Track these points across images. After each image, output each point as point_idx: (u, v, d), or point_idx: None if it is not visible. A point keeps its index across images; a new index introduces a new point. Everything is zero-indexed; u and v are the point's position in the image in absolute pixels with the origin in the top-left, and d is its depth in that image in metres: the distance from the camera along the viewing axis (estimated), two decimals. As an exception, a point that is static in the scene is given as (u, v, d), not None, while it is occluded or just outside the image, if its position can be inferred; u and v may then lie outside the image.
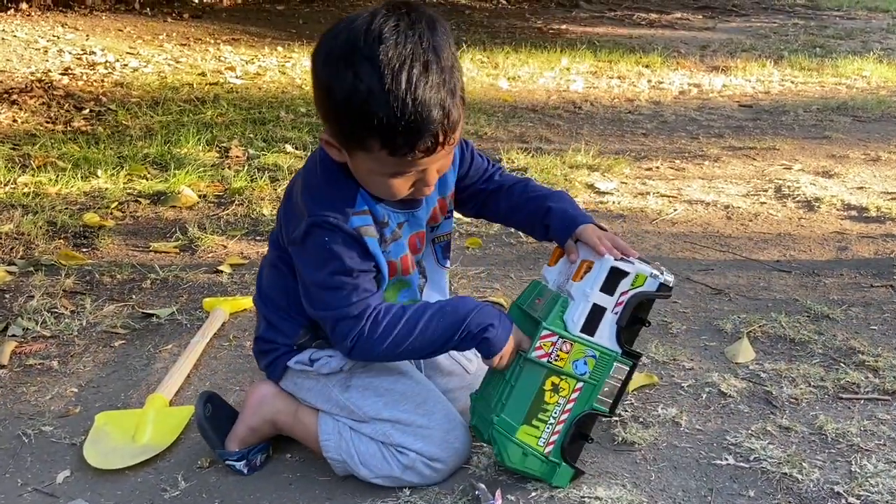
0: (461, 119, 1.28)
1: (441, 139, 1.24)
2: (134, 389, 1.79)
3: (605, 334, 1.40)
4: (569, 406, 1.42)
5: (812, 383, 1.78)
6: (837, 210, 2.96)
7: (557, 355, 1.39)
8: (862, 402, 1.71)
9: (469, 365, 1.64)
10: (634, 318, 1.40)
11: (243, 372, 1.85)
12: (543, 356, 1.38)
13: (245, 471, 1.48)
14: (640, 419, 1.64)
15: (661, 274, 1.40)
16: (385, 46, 1.18)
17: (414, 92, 1.19)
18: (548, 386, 1.40)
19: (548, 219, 1.50)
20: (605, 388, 1.43)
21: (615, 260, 1.38)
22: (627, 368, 1.43)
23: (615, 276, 1.38)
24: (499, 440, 1.40)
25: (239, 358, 1.91)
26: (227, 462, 1.48)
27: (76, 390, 1.78)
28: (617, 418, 1.63)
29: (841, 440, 1.57)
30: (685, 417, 1.65)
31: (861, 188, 3.21)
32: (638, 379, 1.77)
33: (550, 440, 1.42)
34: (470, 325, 1.35)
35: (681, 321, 2.09)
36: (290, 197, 1.42)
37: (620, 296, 1.39)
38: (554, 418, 1.41)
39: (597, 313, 1.39)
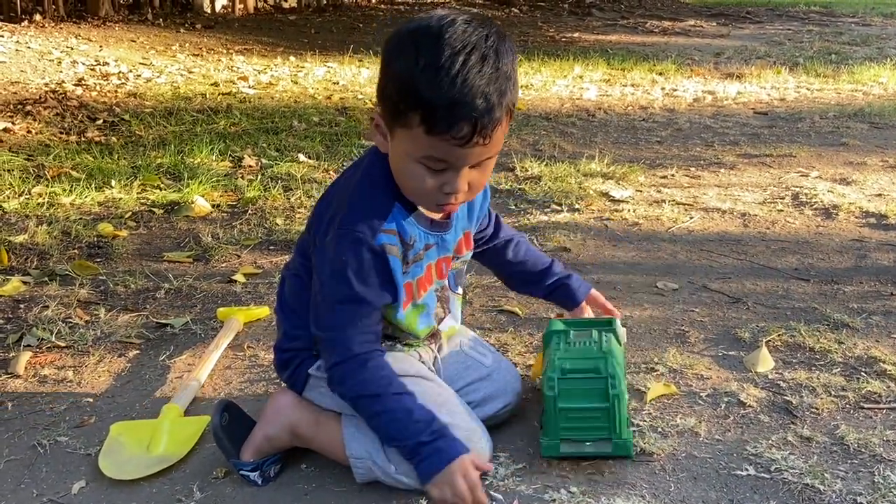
0: (502, 128, 1.30)
1: (477, 130, 1.26)
2: (148, 399, 1.79)
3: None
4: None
5: (833, 393, 1.76)
6: (856, 217, 2.94)
7: (623, 346, 1.66)
8: (884, 411, 1.70)
9: (483, 359, 1.66)
10: None
11: (258, 382, 1.85)
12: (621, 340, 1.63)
13: (259, 481, 1.48)
14: (659, 429, 1.63)
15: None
16: (453, 30, 1.26)
17: (465, 75, 1.24)
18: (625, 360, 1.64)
19: (556, 284, 1.74)
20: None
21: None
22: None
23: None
24: (616, 368, 1.47)
25: (253, 367, 1.92)
26: (241, 472, 1.48)
27: (91, 400, 1.79)
28: (635, 428, 1.62)
29: (863, 450, 1.56)
30: (704, 427, 1.63)
31: (879, 195, 3.19)
32: (656, 388, 1.76)
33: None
34: (410, 446, 1.35)
35: (698, 330, 2.07)
36: (326, 198, 1.46)
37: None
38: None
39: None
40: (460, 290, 1.63)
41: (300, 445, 1.53)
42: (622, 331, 1.68)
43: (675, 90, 5.46)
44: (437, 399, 1.45)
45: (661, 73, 6.05)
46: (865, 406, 1.71)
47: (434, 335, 1.58)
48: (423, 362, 1.56)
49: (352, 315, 1.38)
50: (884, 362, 1.88)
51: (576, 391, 1.46)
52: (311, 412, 1.51)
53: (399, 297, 1.43)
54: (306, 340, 1.50)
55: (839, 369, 1.87)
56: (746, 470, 1.50)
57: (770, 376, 1.84)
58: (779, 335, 2.03)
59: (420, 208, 1.43)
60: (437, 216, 1.46)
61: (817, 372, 1.85)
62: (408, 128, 1.29)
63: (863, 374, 1.84)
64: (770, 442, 1.58)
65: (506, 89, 1.29)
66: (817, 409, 1.70)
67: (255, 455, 1.49)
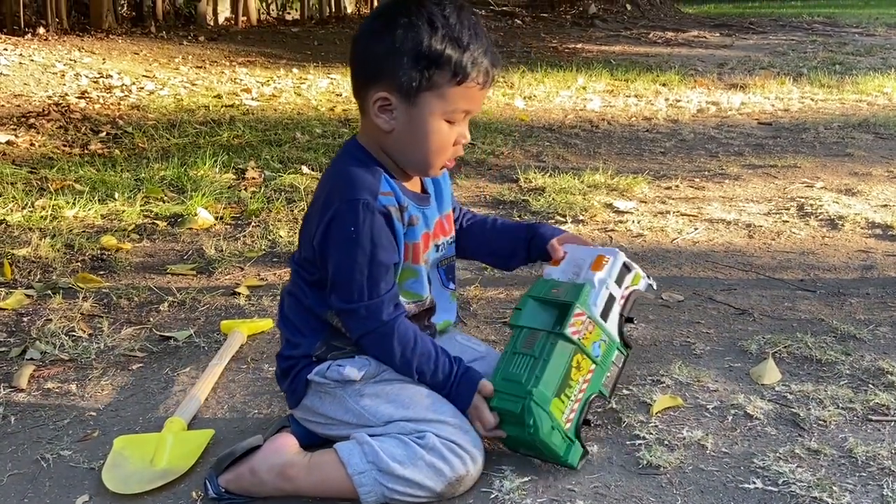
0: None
1: (493, 72, 1.45)
2: (152, 413, 1.79)
3: (613, 323, 1.55)
4: (584, 385, 1.52)
5: (840, 405, 1.76)
6: (861, 228, 2.94)
7: (585, 335, 1.51)
8: (892, 423, 1.69)
9: (477, 347, 1.72)
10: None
11: (262, 395, 1.85)
12: (575, 333, 1.50)
13: (212, 494, 1.46)
14: (665, 442, 1.63)
15: (649, 277, 1.60)
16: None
17: (472, 28, 1.42)
18: (574, 363, 1.51)
19: (532, 232, 1.68)
20: (608, 374, 1.56)
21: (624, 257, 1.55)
22: (624, 356, 1.58)
23: (623, 270, 1.56)
24: (535, 410, 1.46)
25: (257, 380, 1.91)
26: (206, 483, 1.47)
27: (94, 414, 1.79)
28: (641, 441, 1.62)
29: (871, 463, 1.55)
30: (711, 440, 1.63)
31: (885, 206, 3.19)
32: (662, 401, 1.76)
33: (569, 417, 1.50)
34: (446, 391, 1.51)
35: (704, 342, 2.07)
36: (313, 204, 1.52)
37: (625, 290, 1.56)
38: (574, 396, 1.51)
39: (610, 302, 1.55)
40: (453, 286, 1.67)
41: (284, 493, 1.47)
42: (615, 271, 1.57)
43: (679, 101, 5.47)
44: (425, 401, 1.49)
45: (664, 84, 6.06)
46: (873, 418, 1.71)
47: (428, 326, 1.62)
48: None
49: (374, 280, 1.45)
50: (891, 374, 1.87)
51: (503, 416, 1.50)
52: (304, 456, 1.48)
53: (401, 258, 1.50)
54: (306, 347, 1.55)
55: (846, 381, 1.86)
56: (754, 483, 1.49)
57: (777, 388, 1.84)
58: (785, 347, 2.02)
59: (403, 184, 1.51)
60: (417, 188, 1.56)
61: (824, 384, 1.85)
62: (436, 88, 1.42)
63: (870, 385, 1.84)
64: (777, 455, 1.58)
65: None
66: (825, 421, 1.70)
67: (230, 484, 1.46)
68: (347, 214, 1.43)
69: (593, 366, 1.52)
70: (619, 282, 1.56)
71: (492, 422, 1.49)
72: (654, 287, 1.59)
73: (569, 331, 1.49)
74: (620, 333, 1.56)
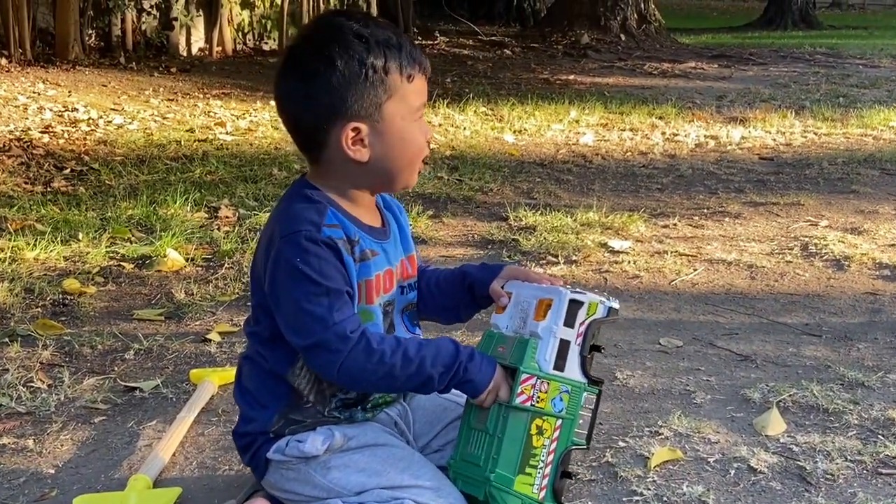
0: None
1: (425, 60, 1.52)
2: (115, 470, 1.77)
3: (574, 367, 1.50)
4: (553, 446, 1.49)
5: (849, 457, 1.76)
6: (869, 269, 2.97)
7: (538, 397, 1.48)
8: (904, 477, 1.69)
9: (460, 399, 1.65)
10: (590, 346, 1.52)
11: (233, 450, 1.83)
12: (526, 401, 1.47)
13: None
14: (664, 498, 1.62)
15: (608, 299, 1.53)
16: (350, 23, 1.48)
17: (389, 28, 1.50)
18: (534, 430, 1.48)
19: (468, 278, 1.64)
20: (580, 421, 1.51)
21: (571, 292, 1.49)
22: (594, 397, 1.53)
23: (573, 307, 1.49)
24: (498, 496, 1.45)
25: (228, 434, 1.90)
26: None
27: (53, 472, 1.77)
28: (639, 497, 1.61)
29: (883, 520, 1.55)
30: (713, 496, 1.63)
31: (893, 245, 3.22)
32: (661, 454, 1.76)
33: (542, 484, 1.48)
34: (460, 367, 1.45)
35: (705, 390, 2.07)
36: (258, 247, 1.55)
37: (580, 326, 1.50)
38: (542, 461, 1.49)
39: (564, 348, 1.50)
40: (419, 332, 1.65)
41: None
42: (587, 305, 1.51)
43: (676, 135, 5.54)
44: (399, 464, 1.48)
45: (660, 117, 6.13)
46: (883, 472, 1.71)
47: None
48: (389, 415, 1.58)
49: (328, 309, 1.42)
50: (902, 424, 1.88)
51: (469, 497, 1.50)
52: None
53: (354, 290, 1.48)
54: (262, 423, 1.53)
55: (855, 432, 1.87)
56: (759, 542, 1.49)
57: (782, 440, 1.84)
58: (790, 395, 2.03)
59: (359, 217, 1.52)
60: (377, 223, 1.57)
61: (832, 435, 1.85)
62: (394, 94, 1.47)
63: (880, 436, 1.84)
64: (783, 511, 1.57)
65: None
66: (832, 475, 1.70)
67: None
68: (291, 248, 1.43)
69: (560, 421, 1.49)
70: (570, 323, 1.49)
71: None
72: (617, 307, 1.52)
73: (518, 401, 1.45)
74: (586, 373, 1.50)
